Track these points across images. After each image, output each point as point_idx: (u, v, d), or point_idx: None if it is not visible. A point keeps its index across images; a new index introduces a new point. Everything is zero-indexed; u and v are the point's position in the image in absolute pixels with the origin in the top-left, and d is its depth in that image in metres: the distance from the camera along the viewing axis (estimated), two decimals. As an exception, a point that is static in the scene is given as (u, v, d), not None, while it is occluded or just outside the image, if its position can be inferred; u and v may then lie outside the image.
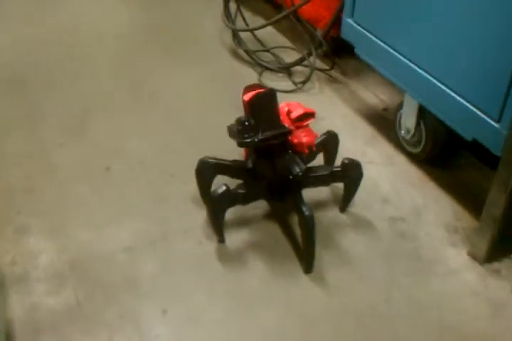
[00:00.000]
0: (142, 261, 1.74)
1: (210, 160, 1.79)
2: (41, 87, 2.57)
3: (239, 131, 1.62)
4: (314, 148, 1.77)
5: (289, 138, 1.69)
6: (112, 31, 3.06)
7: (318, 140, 1.82)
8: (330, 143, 1.91)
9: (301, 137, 1.69)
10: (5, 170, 2.08)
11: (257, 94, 1.62)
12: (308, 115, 1.74)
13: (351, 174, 1.82)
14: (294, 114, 1.71)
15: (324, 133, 1.89)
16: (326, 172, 1.82)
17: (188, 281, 1.68)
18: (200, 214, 1.88)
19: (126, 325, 1.55)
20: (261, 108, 1.63)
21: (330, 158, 1.95)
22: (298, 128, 1.72)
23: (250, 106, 1.62)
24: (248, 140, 1.62)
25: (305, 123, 1.73)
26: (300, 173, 1.66)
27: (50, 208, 1.93)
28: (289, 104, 1.77)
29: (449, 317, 1.59)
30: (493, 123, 1.63)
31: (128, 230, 1.84)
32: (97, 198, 1.97)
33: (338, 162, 1.85)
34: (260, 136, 1.62)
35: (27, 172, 2.07)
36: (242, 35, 2.80)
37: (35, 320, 1.56)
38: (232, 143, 1.67)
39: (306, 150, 1.70)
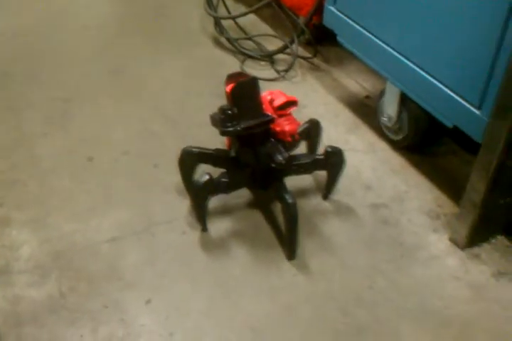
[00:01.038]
0: (126, 252, 1.74)
1: (193, 149, 1.79)
2: (23, 77, 2.54)
3: (221, 120, 1.62)
4: (297, 136, 1.77)
5: (272, 126, 1.69)
6: (94, 21, 3.03)
7: (301, 128, 1.82)
8: (313, 130, 1.92)
9: (283, 125, 1.70)
10: (-13, 162, 2.07)
11: (239, 82, 1.61)
12: (291, 103, 1.74)
13: (334, 162, 1.82)
14: (277, 102, 1.71)
15: (307, 121, 1.89)
16: (308, 160, 1.83)
17: (172, 271, 1.68)
18: (183, 204, 1.88)
19: (111, 316, 1.56)
20: (243, 97, 1.63)
21: (313, 145, 1.96)
22: (281, 116, 1.72)
23: (232, 95, 1.62)
24: (231, 129, 1.62)
25: (288, 112, 1.73)
26: (283, 161, 1.67)
27: (32, 199, 1.91)
28: (272, 92, 1.77)
29: (431, 301, 1.61)
30: (473, 110, 1.64)
31: (111, 221, 1.84)
32: (80, 189, 1.96)
33: (321, 150, 1.86)
34: (243, 125, 1.62)
35: (9, 164, 2.05)
36: (224, 23, 2.79)
37: (18, 312, 1.56)
38: (216, 131, 1.66)
39: (289, 139, 1.70)
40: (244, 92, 1.63)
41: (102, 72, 2.58)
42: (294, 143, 1.82)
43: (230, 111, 1.61)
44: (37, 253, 1.72)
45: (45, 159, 2.08)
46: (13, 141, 2.16)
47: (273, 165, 1.69)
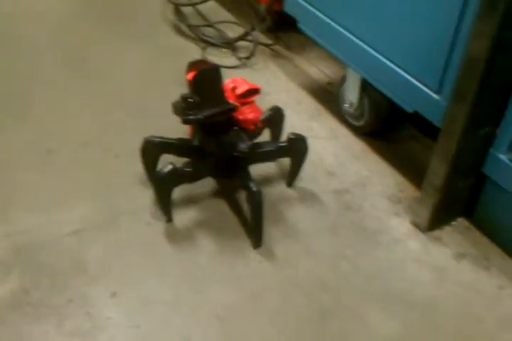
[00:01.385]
0: (90, 245, 1.71)
1: (155, 139, 1.77)
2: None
3: (183, 108, 1.60)
4: (260, 124, 1.76)
5: (235, 114, 1.68)
6: (51, 8, 2.94)
7: (264, 115, 1.82)
8: (275, 118, 1.92)
9: (246, 113, 1.69)
10: None
11: (201, 70, 1.60)
12: (253, 91, 1.73)
13: (297, 149, 1.83)
14: (239, 90, 1.70)
15: (270, 109, 1.89)
16: (272, 148, 1.83)
17: (137, 263, 1.67)
18: (147, 195, 1.86)
19: (76, 310, 1.54)
20: (205, 84, 1.61)
21: (276, 133, 1.96)
22: (243, 104, 1.71)
23: (194, 82, 1.60)
24: (192, 117, 1.60)
25: (250, 100, 1.73)
26: (246, 150, 1.66)
27: (-10, 194, 1.87)
28: (234, 80, 1.76)
29: (394, 285, 1.64)
30: (433, 95, 1.66)
31: (74, 213, 1.81)
32: (39, 182, 1.92)
33: (284, 137, 1.86)
34: (205, 113, 1.61)
35: (-34, 158, 2.00)
36: (185, 10, 2.75)
37: (-20, 309, 1.53)
38: (178, 120, 1.65)
39: (252, 127, 1.70)
40: (206, 80, 1.61)
41: (60, 61, 2.52)
42: (257, 131, 1.82)
43: (191, 99, 1.59)
44: (-3, 248, 1.69)
45: (2, 152, 2.03)
46: (-31, 135, 2.10)
47: (236, 153, 1.68)
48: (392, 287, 1.63)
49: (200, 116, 1.60)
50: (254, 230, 1.73)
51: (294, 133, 1.80)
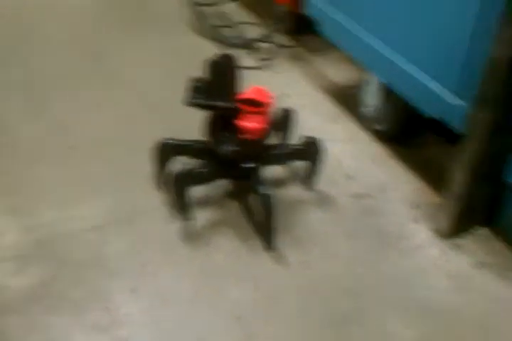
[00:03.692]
0: (109, 240, 1.72)
1: (170, 141, 1.76)
2: (1, 63, 2.47)
3: (189, 90, 1.61)
4: (253, 137, 1.68)
5: (239, 118, 1.65)
6: (73, 7, 2.96)
7: (274, 116, 1.79)
8: (284, 119, 1.90)
9: (247, 121, 1.65)
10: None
11: (217, 58, 1.59)
12: (258, 103, 1.66)
13: (312, 152, 1.82)
14: (241, 96, 1.65)
15: (280, 110, 1.87)
16: (287, 151, 1.83)
17: (156, 260, 1.68)
18: (166, 193, 1.87)
19: (96, 304, 1.54)
20: (217, 74, 1.61)
21: (285, 134, 1.94)
22: (257, 113, 1.66)
23: (208, 67, 1.60)
24: (193, 100, 1.61)
25: (253, 110, 1.66)
26: (226, 153, 1.65)
27: (14, 188, 1.88)
28: (255, 88, 1.72)
29: (413, 291, 1.64)
30: (453, 100, 1.66)
31: (94, 209, 1.81)
32: (61, 177, 1.93)
33: (298, 139, 1.84)
34: (206, 102, 1.61)
35: (-11, 152, 2.01)
36: (206, 10, 2.76)
37: (1, 301, 1.53)
38: (195, 118, 1.65)
39: (248, 136, 1.66)
40: (218, 70, 1.60)
41: (81, 58, 2.54)
42: (254, 142, 1.76)
43: (198, 84, 1.60)
44: (19, 241, 1.69)
45: (26, 147, 2.04)
46: (-9, 129, 2.12)
47: (220, 152, 1.67)
48: (411, 294, 1.63)
49: (199, 101, 1.61)
50: (265, 232, 1.73)
51: (309, 136, 1.79)
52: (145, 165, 1.92)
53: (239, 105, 1.64)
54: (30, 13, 2.85)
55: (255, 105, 1.64)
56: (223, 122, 1.67)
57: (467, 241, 1.78)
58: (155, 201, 1.85)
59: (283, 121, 1.89)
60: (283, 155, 1.83)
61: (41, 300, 1.54)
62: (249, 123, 1.64)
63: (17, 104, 2.25)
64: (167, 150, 1.79)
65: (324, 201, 1.90)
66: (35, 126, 2.14)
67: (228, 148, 1.66)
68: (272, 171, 1.93)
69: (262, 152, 1.76)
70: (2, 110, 2.21)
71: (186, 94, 1.61)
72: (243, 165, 1.72)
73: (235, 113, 1.64)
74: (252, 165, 1.72)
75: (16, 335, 1.46)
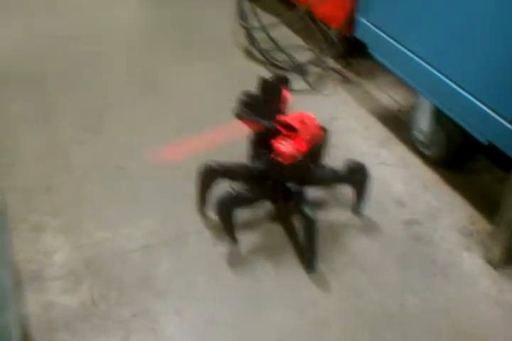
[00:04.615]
0: (157, 261, 1.74)
1: (214, 164, 1.78)
2: (58, 85, 2.59)
3: (238, 102, 1.65)
4: (285, 161, 1.67)
5: (277, 139, 1.65)
6: (127, 29, 3.08)
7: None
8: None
9: (283, 144, 1.64)
10: (23, 169, 2.10)
11: (268, 79, 1.63)
12: (292, 128, 1.64)
13: (356, 176, 1.80)
14: (280, 118, 1.66)
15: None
16: (330, 174, 1.81)
17: (201, 282, 1.69)
18: (213, 215, 1.88)
19: (142, 325, 1.56)
20: (265, 94, 1.64)
21: (319, 154, 1.90)
22: (287, 136, 1.66)
23: (259, 85, 1.64)
24: (239, 112, 1.64)
25: (287, 133, 1.65)
26: (256, 170, 1.68)
27: (65, 206, 1.94)
28: (300, 114, 1.71)
29: (462, 321, 1.59)
30: (508, 125, 1.62)
31: (143, 229, 1.85)
32: (112, 197, 1.98)
33: (337, 159, 1.83)
34: (250, 117, 1.64)
35: (44, 171, 2.08)
36: (256, 34, 2.80)
37: (51, 318, 1.57)
38: (244, 141, 1.68)
39: (281, 159, 1.66)
40: (269, 90, 1.63)
41: (135, 81, 2.61)
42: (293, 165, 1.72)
43: (246, 99, 1.63)
44: (70, 259, 1.74)
45: (78, 167, 2.11)
46: (48, 149, 2.20)
47: (252, 169, 1.69)
48: (461, 324, 1.58)
49: (244, 114, 1.64)
50: (308, 255, 1.71)
51: (353, 161, 1.78)
52: (194, 187, 1.95)
53: (278, 126, 1.65)
54: (88, 38, 2.96)
55: (290, 129, 1.65)
56: (264, 141, 1.69)
57: (521, 272, 1.72)
58: (202, 223, 1.87)
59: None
60: (327, 178, 1.82)
61: (89, 319, 1.57)
62: (282, 146, 1.65)
63: (72, 123, 2.34)
64: (211, 173, 1.81)
65: (372, 227, 1.87)
66: (88, 146, 2.21)
67: (259, 166, 1.68)
68: (319, 194, 1.92)
69: (304, 174, 1.76)
70: (57, 130, 2.30)
71: (236, 106, 1.65)
72: (287, 187, 1.72)
73: (275, 134, 1.65)
74: (296, 186, 1.72)
75: (63, 353, 1.49)
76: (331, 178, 1.82)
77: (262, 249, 1.80)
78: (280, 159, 1.66)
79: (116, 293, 1.64)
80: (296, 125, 1.64)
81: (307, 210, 1.64)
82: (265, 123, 1.65)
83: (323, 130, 1.87)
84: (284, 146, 1.64)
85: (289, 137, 1.65)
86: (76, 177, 2.06)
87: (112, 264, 1.73)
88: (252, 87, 1.72)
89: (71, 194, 1.99)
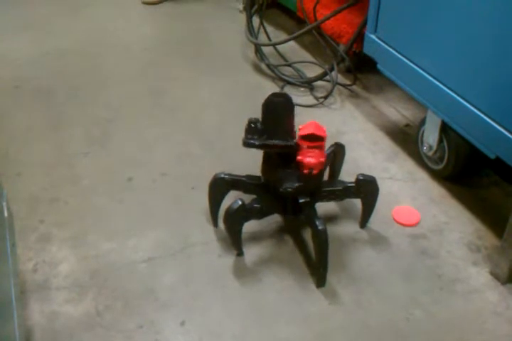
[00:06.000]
0: (162, 272, 1.74)
1: (225, 176, 1.80)
2: (66, 97, 2.62)
3: (246, 131, 1.65)
4: (315, 171, 1.69)
5: (297, 154, 1.66)
6: (137, 43, 3.12)
7: (326, 151, 1.79)
8: (337, 154, 1.91)
9: (305, 156, 1.65)
10: (30, 179, 2.12)
11: (272, 97, 1.62)
12: (318, 138, 1.66)
13: (366, 190, 1.80)
14: (302, 132, 1.66)
15: (332, 145, 1.87)
16: (339, 188, 1.81)
17: (207, 294, 1.68)
18: (219, 227, 1.89)
19: (146, 336, 1.56)
20: (273, 113, 1.63)
21: (336, 169, 1.95)
22: (311, 147, 1.66)
23: (264, 107, 1.63)
24: (251, 141, 1.64)
25: (313, 144, 1.66)
26: (287, 190, 1.66)
27: (72, 217, 1.95)
28: (314, 123, 1.73)
29: (469, 336, 1.57)
30: (516, 141, 1.62)
31: (148, 241, 1.85)
32: (118, 208, 1.99)
33: (345, 173, 1.82)
34: (263, 141, 1.64)
35: (51, 182, 2.10)
36: (265, 49, 2.83)
37: (55, 328, 1.57)
38: (252, 154, 1.68)
39: (306, 171, 1.66)
40: (274, 109, 1.63)
41: (143, 94, 2.64)
42: (314, 177, 1.74)
43: (253, 125, 1.63)
44: (75, 270, 1.74)
45: (85, 178, 2.12)
46: (55, 159, 2.22)
47: (281, 190, 1.67)
48: (466, 338, 1.56)
49: (256, 142, 1.63)
50: (318, 268, 1.70)
51: (363, 175, 1.78)
52: (200, 199, 1.95)
53: (299, 141, 1.65)
54: (97, 50, 3.01)
55: (315, 140, 1.65)
56: (281, 160, 1.69)
57: (529, 287, 1.70)
58: (209, 235, 1.87)
59: (335, 155, 1.89)
60: (337, 192, 1.82)
61: (93, 329, 1.57)
62: (312, 158, 1.65)
63: (79, 135, 2.36)
64: (222, 185, 1.81)
65: (380, 240, 1.86)
66: (95, 157, 2.23)
67: (293, 185, 1.66)
68: (326, 207, 1.91)
69: (317, 187, 1.76)
70: (64, 141, 2.33)
71: (244, 136, 1.65)
72: (298, 200, 1.72)
73: (294, 149, 1.66)
74: (307, 199, 1.72)
75: (66, 363, 1.49)
76: (344, 192, 1.81)
77: (269, 261, 1.79)
78: (314, 171, 1.66)
79: (122, 304, 1.64)
80: (322, 133, 1.65)
81: (319, 224, 1.64)
82: (283, 142, 1.65)
83: (340, 146, 1.88)
84: (312, 158, 1.65)
85: (317, 147, 1.65)
86: (83, 188, 2.07)
87: (118, 275, 1.73)
88: (259, 101, 1.72)
89: (78, 205, 2.00)
